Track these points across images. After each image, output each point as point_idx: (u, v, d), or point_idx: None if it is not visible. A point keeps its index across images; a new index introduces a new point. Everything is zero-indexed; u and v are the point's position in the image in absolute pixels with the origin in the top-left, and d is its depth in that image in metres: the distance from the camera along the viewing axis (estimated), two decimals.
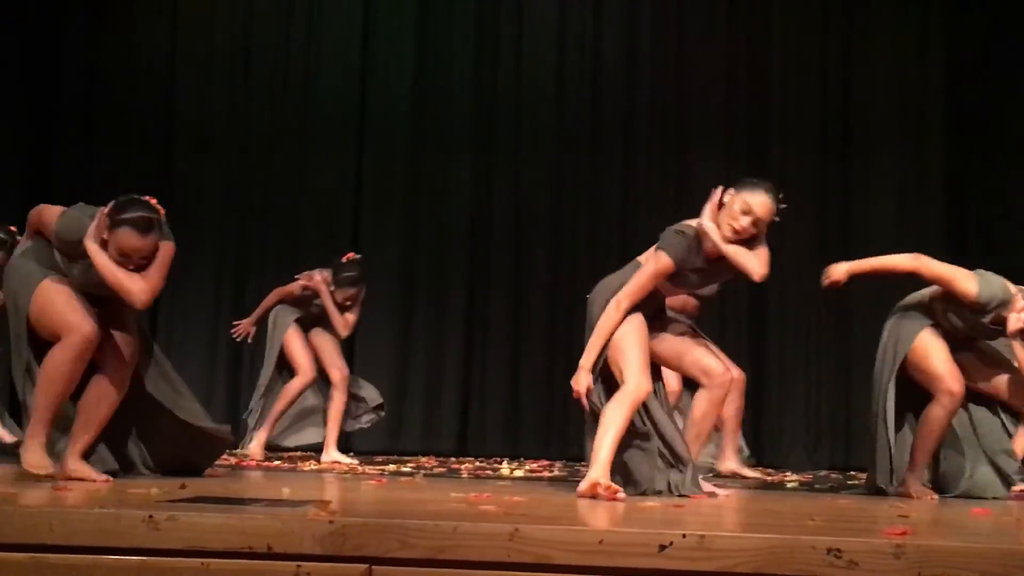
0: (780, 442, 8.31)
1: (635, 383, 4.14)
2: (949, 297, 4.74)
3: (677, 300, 5.67)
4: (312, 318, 6.79)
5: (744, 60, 8.91)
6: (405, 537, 2.54)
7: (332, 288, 6.67)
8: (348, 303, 6.70)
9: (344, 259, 6.72)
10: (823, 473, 7.37)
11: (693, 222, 4.29)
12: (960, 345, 4.81)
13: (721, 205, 4.23)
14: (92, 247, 4.10)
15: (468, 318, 8.94)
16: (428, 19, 9.18)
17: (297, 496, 3.43)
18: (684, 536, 2.50)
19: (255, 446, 6.56)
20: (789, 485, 5.61)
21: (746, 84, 8.86)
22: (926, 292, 4.95)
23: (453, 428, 8.75)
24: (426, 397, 8.83)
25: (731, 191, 4.25)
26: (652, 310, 4.39)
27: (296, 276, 6.92)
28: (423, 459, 7.57)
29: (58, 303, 4.15)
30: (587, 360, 4.20)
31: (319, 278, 6.70)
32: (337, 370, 6.72)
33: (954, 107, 8.66)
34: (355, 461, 6.57)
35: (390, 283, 8.34)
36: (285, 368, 6.84)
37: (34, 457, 4.04)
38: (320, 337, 6.76)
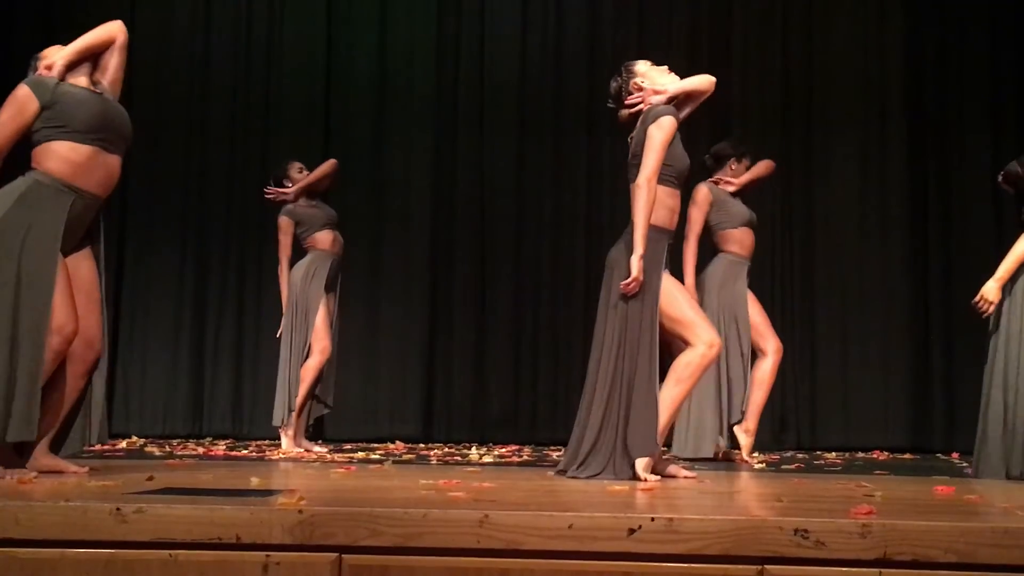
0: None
1: (708, 339, 4.20)
2: None
3: None
4: (333, 273, 6.73)
5: (705, 38, 8.93)
6: (374, 525, 2.54)
7: (287, 184, 6.82)
8: (302, 168, 6.88)
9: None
10: (789, 454, 7.42)
11: (655, 100, 4.48)
12: None
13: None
14: (67, 55, 4.09)
15: (434, 303, 8.93)
16: (391, 1, 9.15)
17: (265, 486, 3.42)
18: (653, 519, 2.52)
19: (288, 443, 6.45)
20: (756, 466, 5.64)
21: (707, 62, 8.87)
22: None
23: (421, 414, 8.75)
24: (394, 384, 8.82)
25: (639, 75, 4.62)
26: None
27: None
28: (392, 446, 7.57)
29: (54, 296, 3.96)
30: (639, 249, 4.17)
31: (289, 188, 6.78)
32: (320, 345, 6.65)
33: (913, 83, 8.73)
34: (324, 449, 6.56)
35: (355, 269, 8.30)
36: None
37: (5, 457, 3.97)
38: (323, 312, 6.66)
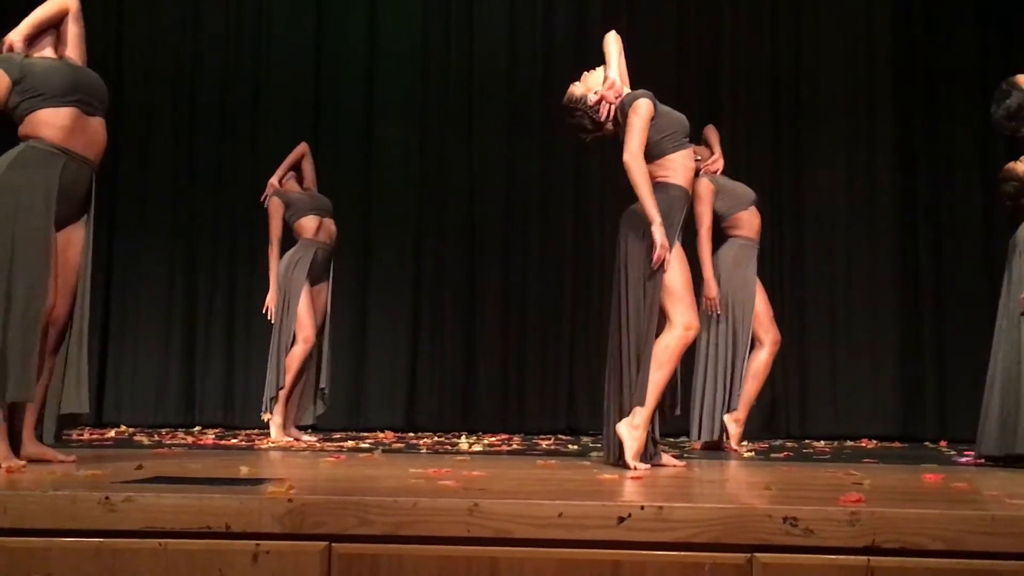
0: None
1: (686, 322, 4.21)
2: None
3: None
4: (321, 266, 6.73)
5: (694, 31, 8.93)
6: (364, 514, 2.54)
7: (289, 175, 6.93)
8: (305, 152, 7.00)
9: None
10: (778, 442, 7.44)
11: (614, 93, 4.58)
12: None
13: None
14: (24, 30, 4.15)
15: (422, 293, 8.92)
16: None
17: (255, 475, 3.41)
18: (643, 508, 2.52)
19: (276, 431, 6.44)
20: (746, 455, 5.65)
21: (696, 53, 8.88)
22: None
23: (411, 403, 8.75)
24: (383, 373, 8.82)
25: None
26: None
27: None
28: (381, 435, 7.57)
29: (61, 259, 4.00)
30: (655, 217, 4.19)
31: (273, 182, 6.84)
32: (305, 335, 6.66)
33: (902, 73, 8.73)
34: (313, 438, 6.55)
35: (345, 258, 8.29)
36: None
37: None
38: (306, 301, 6.66)
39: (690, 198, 4.47)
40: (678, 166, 4.37)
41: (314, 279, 6.65)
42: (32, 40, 4.20)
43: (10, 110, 4.06)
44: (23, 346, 3.80)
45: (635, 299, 4.23)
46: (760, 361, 6.22)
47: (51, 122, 4.01)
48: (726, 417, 6.06)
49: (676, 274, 4.27)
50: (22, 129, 4.05)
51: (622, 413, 4.21)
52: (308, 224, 6.73)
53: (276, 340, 6.57)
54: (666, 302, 4.26)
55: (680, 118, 4.47)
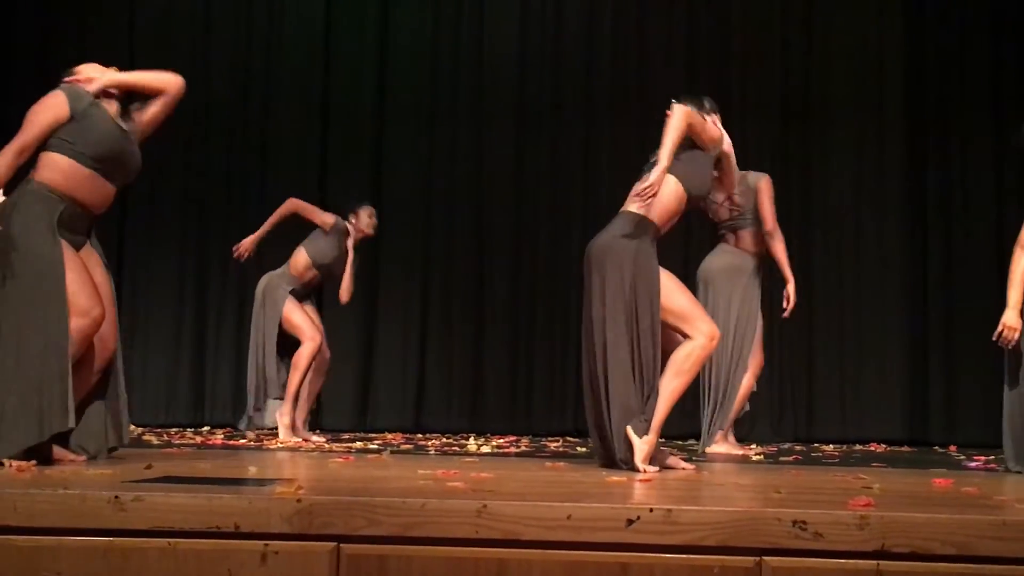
0: (744, 415, 8.41)
1: (707, 331, 4.21)
2: None
3: None
4: (301, 293, 6.73)
5: (704, 31, 8.92)
6: (372, 515, 2.54)
7: (353, 220, 6.85)
8: (374, 220, 6.95)
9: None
10: (787, 445, 7.43)
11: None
12: None
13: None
14: (111, 79, 4.16)
15: (431, 294, 8.93)
16: None
17: (264, 475, 3.42)
18: (651, 510, 2.52)
19: (284, 432, 6.45)
20: (754, 458, 5.64)
21: (707, 55, 8.87)
22: None
23: (419, 405, 8.75)
24: (392, 374, 8.82)
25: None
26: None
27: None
28: (390, 436, 7.57)
29: (70, 280, 3.99)
30: (667, 158, 4.27)
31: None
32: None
33: (913, 74, 8.71)
34: (322, 439, 6.56)
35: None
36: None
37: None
38: (295, 307, 6.68)
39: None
40: (670, 208, 4.40)
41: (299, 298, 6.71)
42: (111, 92, 4.20)
43: (35, 143, 4.04)
44: (61, 374, 3.83)
45: (614, 332, 4.19)
46: (744, 384, 6.20)
47: (66, 172, 4.02)
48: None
49: (677, 296, 4.28)
50: (39, 159, 4.03)
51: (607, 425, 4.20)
52: (302, 263, 6.74)
53: (258, 346, 6.60)
54: (680, 325, 4.26)
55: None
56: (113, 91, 4.20)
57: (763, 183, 6.14)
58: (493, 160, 8.95)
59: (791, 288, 6.16)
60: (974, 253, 8.33)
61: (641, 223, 4.31)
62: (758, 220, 6.11)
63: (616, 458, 4.18)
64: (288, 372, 6.60)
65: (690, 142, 4.45)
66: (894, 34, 8.77)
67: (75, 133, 4.02)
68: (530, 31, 9.10)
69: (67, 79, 4.21)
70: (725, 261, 6.09)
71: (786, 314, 6.21)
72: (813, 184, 8.69)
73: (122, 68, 4.37)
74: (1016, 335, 4.63)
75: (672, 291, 4.28)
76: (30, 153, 4.02)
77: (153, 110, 4.30)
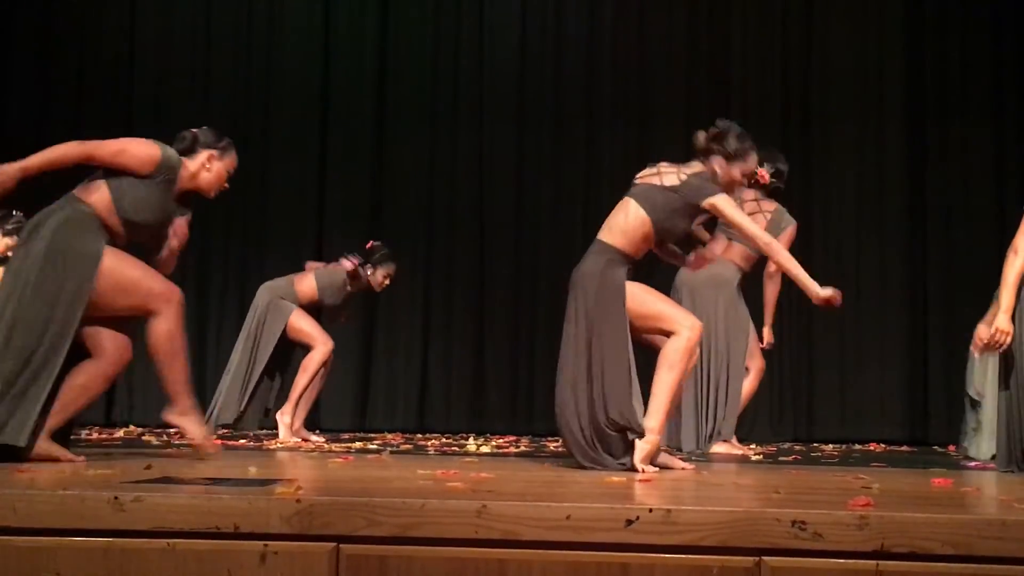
0: (744, 415, 8.41)
1: (688, 323, 4.25)
2: None
3: None
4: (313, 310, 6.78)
5: (705, 34, 8.93)
6: (372, 515, 2.54)
7: (369, 271, 6.81)
8: (387, 282, 6.90)
9: (369, 247, 6.92)
10: (786, 445, 7.43)
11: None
12: None
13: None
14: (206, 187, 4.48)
15: (431, 294, 8.93)
16: None
17: (263, 475, 3.42)
18: (651, 510, 2.52)
19: (285, 431, 6.46)
20: (754, 458, 5.64)
21: (707, 58, 8.87)
22: None
23: (419, 405, 8.75)
24: (391, 375, 8.82)
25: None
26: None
27: (308, 264, 6.94)
28: (389, 436, 7.57)
29: (135, 274, 4.13)
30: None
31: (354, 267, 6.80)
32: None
33: (913, 73, 8.72)
34: (321, 439, 6.56)
35: None
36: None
37: (198, 428, 4.33)
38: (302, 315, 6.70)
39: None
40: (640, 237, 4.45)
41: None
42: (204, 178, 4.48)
43: (103, 162, 4.17)
44: (39, 386, 3.91)
45: (599, 347, 4.26)
46: (746, 389, 6.25)
47: (107, 208, 4.14)
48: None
49: (649, 301, 4.33)
50: (91, 183, 4.17)
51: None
52: (309, 299, 6.74)
53: (249, 357, 6.59)
54: (661, 326, 4.31)
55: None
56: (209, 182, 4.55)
57: (791, 229, 6.26)
58: (493, 160, 8.95)
59: (767, 332, 6.37)
60: (974, 254, 8.33)
61: (611, 252, 4.40)
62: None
63: (594, 457, 4.20)
64: (275, 385, 6.67)
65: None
66: (894, 35, 8.77)
67: (132, 192, 4.16)
68: (530, 32, 9.10)
69: (185, 142, 4.47)
70: (711, 271, 6.06)
71: (764, 347, 6.37)
72: (813, 184, 8.69)
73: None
74: (1008, 339, 4.63)
75: (643, 299, 4.32)
76: (87, 163, 4.17)
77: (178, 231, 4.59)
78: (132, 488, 2.73)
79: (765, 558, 2.47)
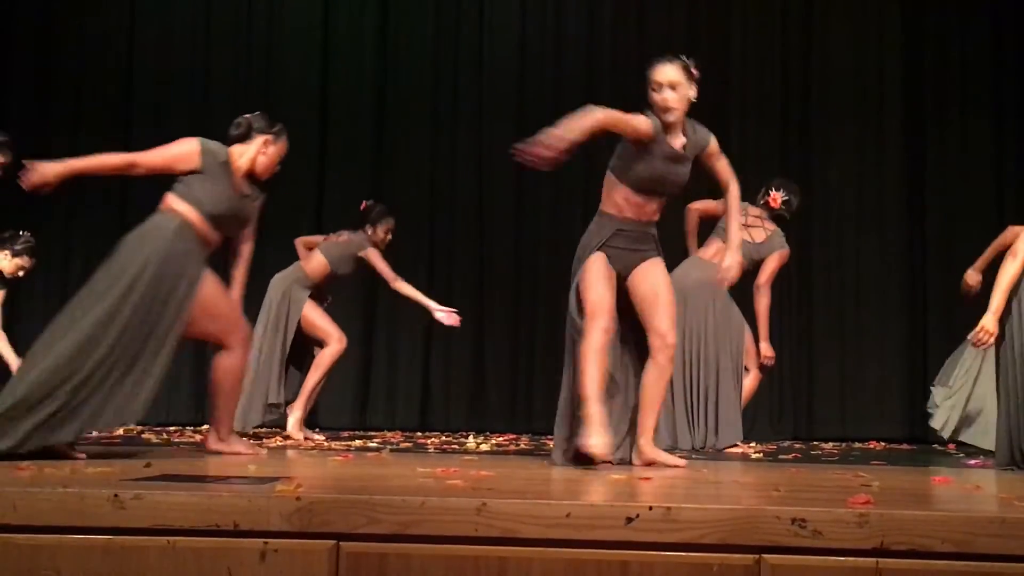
0: (744, 414, 8.41)
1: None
2: None
3: None
4: (319, 291, 6.73)
5: (705, 34, 8.92)
6: (372, 513, 2.54)
7: (370, 231, 6.72)
8: (390, 236, 6.83)
9: (363, 207, 6.85)
10: (786, 443, 7.43)
11: None
12: None
13: None
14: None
15: (431, 292, 8.90)
16: None
17: (263, 473, 3.42)
18: (651, 508, 2.52)
19: (296, 426, 6.45)
20: (754, 456, 5.65)
21: (706, 58, 8.84)
22: None
23: (418, 403, 8.75)
24: (391, 372, 8.82)
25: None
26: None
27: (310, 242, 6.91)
28: (389, 434, 7.57)
29: (226, 305, 4.54)
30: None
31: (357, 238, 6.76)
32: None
33: (912, 73, 8.71)
34: (321, 437, 6.56)
35: None
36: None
37: (244, 445, 4.70)
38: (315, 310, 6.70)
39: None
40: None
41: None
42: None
43: (149, 168, 4.47)
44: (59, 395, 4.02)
45: None
46: (747, 387, 6.37)
47: (194, 216, 4.46)
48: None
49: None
50: (169, 200, 4.47)
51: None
52: (322, 275, 6.73)
53: (280, 346, 6.57)
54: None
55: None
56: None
57: (784, 252, 6.45)
58: (493, 159, 8.94)
59: (764, 346, 6.42)
60: (973, 253, 8.32)
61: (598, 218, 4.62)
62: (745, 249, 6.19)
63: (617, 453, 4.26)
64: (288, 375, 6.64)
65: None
66: (894, 35, 8.77)
67: (197, 189, 4.46)
68: (530, 32, 9.09)
69: (240, 128, 4.92)
70: (704, 275, 6.07)
71: (764, 362, 6.47)
72: (813, 184, 8.68)
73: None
74: (990, 339, 4.67)
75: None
76: (138, 174, 4.47)
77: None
78: (132, 486, 2.73)
79: (765, 556, 2.47)
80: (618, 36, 8.95)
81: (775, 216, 6.51)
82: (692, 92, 4.42)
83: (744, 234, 6.17)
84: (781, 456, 5.69)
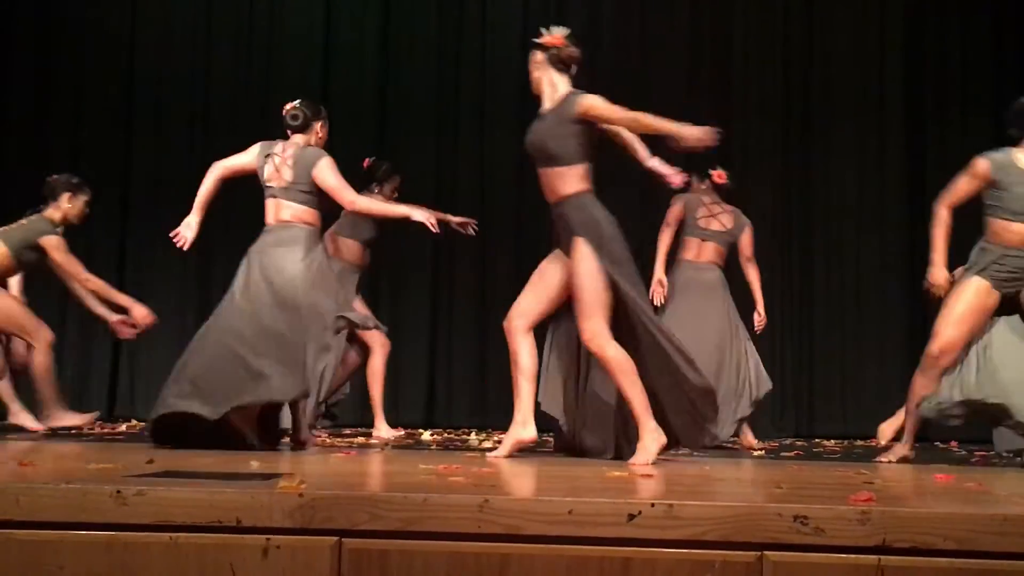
0: None
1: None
2: None
3: None
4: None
5: (706, 34, 8.92)
6: (374, 509, 2.54)
7: (376, 190, 6.64)
8: (396, 194, 6.76)
9: (366, 165, 6.78)
10: (788, 441, 7.43)
11: None
12: None
13: None
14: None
15: (435, 291, 8.93)
16: None
17: (266, 469, 3.42)
18: (653, 505, 2.52)
19: (387, 431, 6.56)
20: (756, 453, 5.64)
21: (708, 58, 8.87)
22: None
23: (421, 400, 8.75)
24: (394, 369, 8.79)
25: None
26: None
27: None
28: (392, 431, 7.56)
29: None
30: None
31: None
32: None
33: (914, 73, 8.71)
34: (324, 434, 6.56)
35: None
36: None
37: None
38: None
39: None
40: None
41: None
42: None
43: (234, 173, 5.30)
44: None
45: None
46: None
47: (310, 216, 5.25)
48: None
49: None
50: (279, 213, 5.23)
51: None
52: (362, 254, 6.80)
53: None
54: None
55: None
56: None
57: (750, 229, 6.53)
58: (495, 159, 8.94)
59: (760, 309, 6.51)
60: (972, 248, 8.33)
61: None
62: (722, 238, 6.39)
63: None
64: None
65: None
66: (895, 34, 8.76)
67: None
68: (531, 32, 9.05)
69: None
70: (700, 278, 6.19)
71: (758, 330, 6.51)
72: (814, 183, 8.69)
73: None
74: (941, 292, 4.79)
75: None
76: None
77: None
78: (135, 482, 2.73)
79: (767, 553, 2.47)
80: (620, 35, 8.95)
81: (727, 195, 6.54)
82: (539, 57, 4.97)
83: (715, 224, 6.39)
84: (783, 453, 5.69)
